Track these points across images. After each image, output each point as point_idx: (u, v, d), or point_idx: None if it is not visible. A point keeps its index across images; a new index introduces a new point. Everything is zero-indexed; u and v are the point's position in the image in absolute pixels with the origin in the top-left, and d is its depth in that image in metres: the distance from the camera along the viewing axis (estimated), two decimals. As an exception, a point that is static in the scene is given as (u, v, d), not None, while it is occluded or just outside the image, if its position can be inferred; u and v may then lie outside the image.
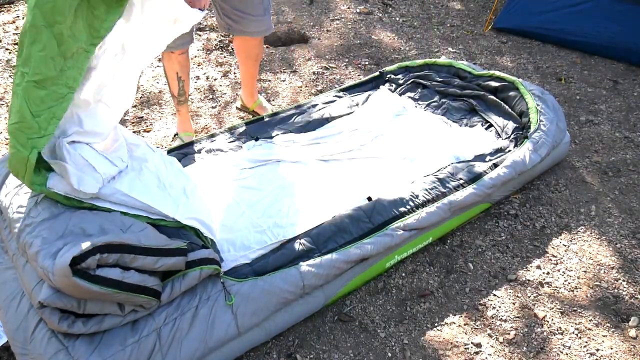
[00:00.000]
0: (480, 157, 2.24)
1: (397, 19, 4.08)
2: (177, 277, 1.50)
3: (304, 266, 1.69)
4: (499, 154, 2.25)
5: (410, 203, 1.96)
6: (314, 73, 3.34)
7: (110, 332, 1.42)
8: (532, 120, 2.32)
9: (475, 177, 2.10)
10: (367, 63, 3.47)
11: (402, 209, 1.93)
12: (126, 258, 1.36)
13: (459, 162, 2.20)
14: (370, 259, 1.84)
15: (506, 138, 2.35)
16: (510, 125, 2.40)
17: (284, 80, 3.26)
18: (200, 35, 3.76)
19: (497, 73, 2.66)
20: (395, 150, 2.30)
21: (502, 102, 2.53)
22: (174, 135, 2.74)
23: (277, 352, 1.71)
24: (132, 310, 1.44)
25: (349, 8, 4.22)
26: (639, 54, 3.28)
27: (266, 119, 2.51)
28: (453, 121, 2.52)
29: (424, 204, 1.97)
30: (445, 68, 2.83)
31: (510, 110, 2.48)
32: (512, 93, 2.53)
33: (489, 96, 2.57)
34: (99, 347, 1.39)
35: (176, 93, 2.49)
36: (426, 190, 2.02)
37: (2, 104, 3.02)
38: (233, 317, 1.55)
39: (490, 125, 2.46)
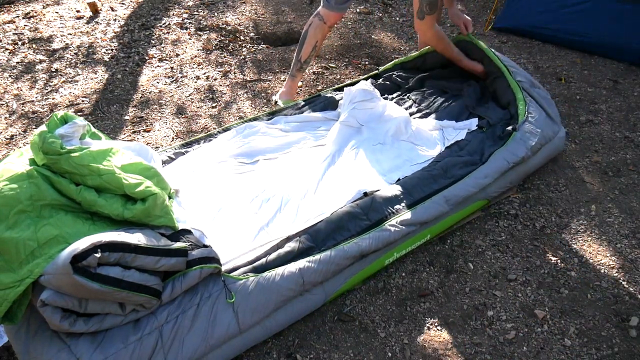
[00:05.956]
0: (472, 150, 2.25)
1: (397, 19, 4.08)
2: (178, 276, 1.51)
3: (304, 263, 1.69)
4: (489, 146, 2.25)
5: (405, 200, 1.97)
6: (314, 73, 3.34)
7: (113, 330, 1.43)
8: (520, 112, 2.33)
9: (468, 171, 2.11)
10: (367, 63, 3.47)
11: (398, 206, 1.94)
12: (127, 257, 1.37)
13: (450, 157, 2.20)
14: (369, 256, 1.85)
15: (497, 129, 2.36)
16: (501, 116, 2.42)
17: (284, 80, 3.26)
18: (200, 35, 3.76)
19: (491, 54, 2.59)
20: (386, 150, 2.32)
21: (492, 92, 2.55)
22: (274, 103, 2.92)
23: (277, 352, 1.71)
24: (133, 310, 1.45)
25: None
26: (639, 54, 3.28)
27: (263, 119, 2.51)
28: (445, 118, 2.54)
29: (419, 200, 1.98)
30: (440, 55, 2.82)
31: (499, 101, 2.51)
32: (502, 83, 2.53)
33: (481, 84, 2.59)
34: (101, 345, 1.39)
35: (304, 59, 2.80)
36: (420, 187, 2.03)
37: (2, 104, 3.02)
38: (234, 315, 1.55)
39: (481, 117, 2.47)
